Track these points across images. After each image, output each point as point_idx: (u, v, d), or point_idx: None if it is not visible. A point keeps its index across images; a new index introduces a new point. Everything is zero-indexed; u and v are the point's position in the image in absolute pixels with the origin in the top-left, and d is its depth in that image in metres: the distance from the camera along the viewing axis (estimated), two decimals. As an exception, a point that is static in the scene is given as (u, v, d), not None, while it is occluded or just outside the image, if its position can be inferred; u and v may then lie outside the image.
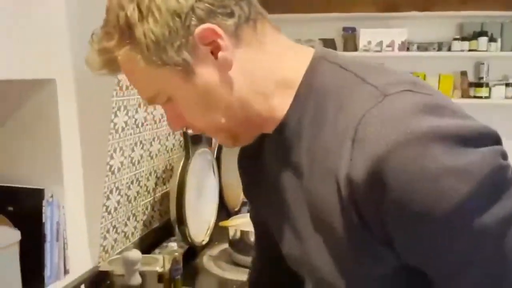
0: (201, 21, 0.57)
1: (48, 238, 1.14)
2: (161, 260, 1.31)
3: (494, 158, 0.49)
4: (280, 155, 0.66)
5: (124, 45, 0.59)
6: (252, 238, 1.50)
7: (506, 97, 3.19)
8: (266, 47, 0.62)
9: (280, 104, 0.63)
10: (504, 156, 0.51)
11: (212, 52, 0.59)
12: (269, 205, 0.75)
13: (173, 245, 1.25)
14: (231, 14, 0.58)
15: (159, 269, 1.28)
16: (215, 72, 0.60)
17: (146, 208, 1.60)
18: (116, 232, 1.40)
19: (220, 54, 0.59)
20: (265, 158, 0.73)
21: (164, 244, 1.64)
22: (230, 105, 0.62)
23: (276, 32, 0.64)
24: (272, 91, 0.62)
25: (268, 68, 0.62)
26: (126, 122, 1.35)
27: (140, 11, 0.57)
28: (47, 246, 1.14)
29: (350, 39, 3.29)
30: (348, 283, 0.60)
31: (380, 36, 3.15)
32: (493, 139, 0.51)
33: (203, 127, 0.65)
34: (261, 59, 0.62)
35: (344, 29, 3.32)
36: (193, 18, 0.57)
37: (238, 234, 1.53)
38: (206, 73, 0.60)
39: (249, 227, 1.55)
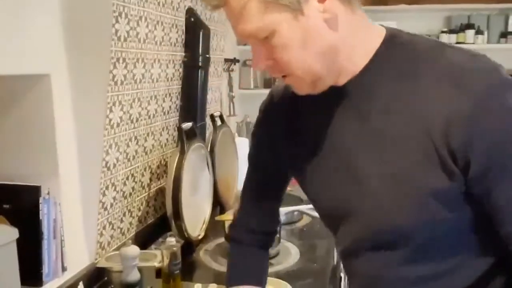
0: None
1: (45, 235, 1.14)
2: (159, 256, 1.31)
3: None
4: (338, 104, 0.78)
5: None
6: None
7: (493, 89, 3.24)
8: (356, 14, 0.73)
9: (361, 60, 0.74)
10: None
11: (318, 1, 0.69)
12: (308, 153, 0.84)
13: (171, 240, 1.25)
14: None
15: (157, 264, 1.28)
16: (319, 17, 0.69)
17: (141, 204, 1.59)
18: (112, 228, 1.40)
19: (326, 2, 0.69)
20: (306, 110, 0.83)
21: (160, 239, 1.63)
22: (324, 49, 0.71)
23: (361, 9, 0.75)
24: (359, 47, 0.74)
25: (358, 28, 0.73)
26: (121, 118, 1.34)
27: None
28: (45, 243, 1.14)
29: (339, 33, 3.30)
30: (414, 219, 0.72)
31: (369, 29, 3.17)
32: None
33: (292, 66, 0.72)
34: (353, 20, 0.73)
35: (333, 22, 3.34)
36: None
37: (235, 228, 1.53)
38: (313, 16, 0.69)
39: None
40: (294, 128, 0.87)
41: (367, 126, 0.75)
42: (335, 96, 0.77)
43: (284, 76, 0.76)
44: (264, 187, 0.99)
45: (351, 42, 0.73)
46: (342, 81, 0.76)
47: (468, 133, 0.66)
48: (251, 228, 1.00)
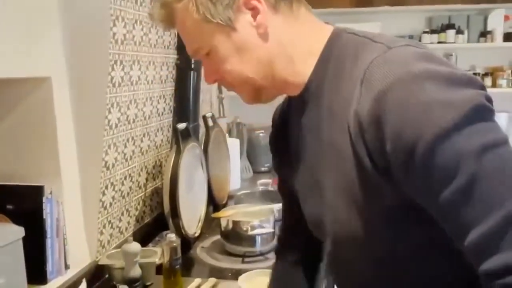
0: None
1: (48, 234, 1.16)
2: (159, 252, 1.34)
3: (479, 97, 0.58)
4: (302, 115, 0.78)
5: None
6: (244, 227, 1.55)
7: (474, 87, 3.33)
8: (298, 22, 0.74)
9: (305, 70, 0.75)
10: (489, 100, 0.60)
11: (252, 16, 0.71)
12: (294, 169, 0.84)
13: (171, 236, 1.28)
14: None
15: (157, 260, 1.31)
16: (252, 32, 0.72)
17: (138, 203, 1.63)
18: (111, 227, 1.43)
19: (258, 17, 0.71)
20: (289, 123, 0.85)
21: (157, 238, 1.67)
22: (260, 62, 0.74)
23: (309, 12, 0.76)
24: (298, 58, 0.74)
25: (297, 38, 0.74)
26: (119, 119, 1.37)
27: None
28: (48, 242, 1.16)
29: (324, 34, 3.37)
30: (362, 227, 0.69)
31: (354, 30, 3.23)
32: (480, 85, 0.61)
33: (233, 80, 0.76)
34: (292, 30, 0.74)
35: (319, 24, 3.40)
36: None
37: (230, 224, 1.57)
38: (244, 32, 0.72)
39: (240, 218, 1.60)
40: (283, 142, 0.88)
41: (321, 137, 0.73)
42: (299, 106, 0.78)
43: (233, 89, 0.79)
44: (294, 221, 0.96)
45: (289, 52, 0.74)
46: (296, 90, 0.77)
47: (374, 135, 0.61)
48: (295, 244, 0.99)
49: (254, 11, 0.71)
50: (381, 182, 0.64)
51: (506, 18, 3.20)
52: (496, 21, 3.23)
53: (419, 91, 0.58)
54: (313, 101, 0.75)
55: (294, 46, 0.74)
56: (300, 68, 0.75)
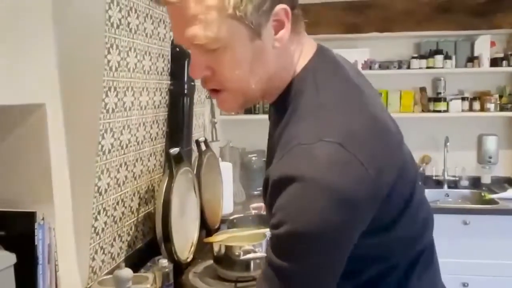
0: (279, 1, 0.71)
1: (40, 260, 1.16)
2: (151, 278, 1.33)
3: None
4: (276, 122, 0.81)
5: None
6: (236, 252, 1.54)
7: (463, 110, 3.38)
8: (299, 43, 0.77)
9: (285, 83, 0.78)
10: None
11: (274, 28, 0.72)
12: None
13: (163, 261, 1.28)
14: (294, 7, 0.74)
15: (149, 286, 1.31)
16: (270, 44, 0.72)
17: (131, 229, 1.62)
18: (103, 253, 1.42)
19: (281, 32, 0.72)
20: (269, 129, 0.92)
21: (149, 264, 1.66)
22: (266, 75, 0.75)
23: (303, 34, 0.79)
24: (287, 72, 0.77)
25: (294, 56, 0.77)
26: (112, 144, 1.38)
27: None
28: (39, 268, 1.15)
29: (315, 59, 3.42)
30: None
31: (344, 56, 3.29)
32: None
33: (232, 84, 0.74)
34: (294, 49, 0.77)
35: (310, 50, 3.47)
36: None
37: (223, 249, 1.56)
38: (266, 42, 0.72)
39: (233, 242, 1.60)
40: None
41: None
42: (272, 113, 0.86)
43: (214, 90, 0.76)
44: None
45: (286, 68, 0.76)
46: (271, 99, 0.81)
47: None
48: None
49: (279, 24, 0.71)
50: None
51: (492, 44, 3.28)
52: (483, 47, 3.31)
53: (306, 194, 0.68)
54: (279, 114, 0.79)
55: (291, 63, 0.76)
56: (285, 82, 0.78)
